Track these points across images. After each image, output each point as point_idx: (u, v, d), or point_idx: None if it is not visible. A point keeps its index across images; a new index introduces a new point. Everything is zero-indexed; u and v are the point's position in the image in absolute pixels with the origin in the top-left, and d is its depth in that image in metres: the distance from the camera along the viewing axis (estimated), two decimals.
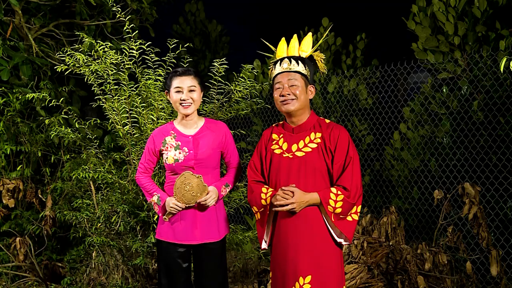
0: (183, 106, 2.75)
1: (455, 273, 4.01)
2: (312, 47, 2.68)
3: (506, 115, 4.49)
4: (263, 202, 2.59)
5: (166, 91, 2.85)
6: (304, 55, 2.63)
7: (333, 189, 2.48)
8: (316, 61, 2.69)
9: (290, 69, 2.58)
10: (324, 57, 2.72)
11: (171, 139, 2.80)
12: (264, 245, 2.70)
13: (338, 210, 2.47)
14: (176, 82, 2.76)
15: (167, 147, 2.78)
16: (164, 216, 2.76)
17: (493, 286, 4.13)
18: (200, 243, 2.78)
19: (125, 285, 4.39)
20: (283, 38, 2.68)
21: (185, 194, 2.68)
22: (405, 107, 5.39)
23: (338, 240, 2.55)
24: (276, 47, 2.73)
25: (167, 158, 2.78)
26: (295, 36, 2.66)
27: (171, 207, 2.70)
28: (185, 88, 2.74)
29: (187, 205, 2.71)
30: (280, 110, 2.64)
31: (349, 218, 2.53)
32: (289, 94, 2.56)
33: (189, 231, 2.75)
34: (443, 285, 3.88)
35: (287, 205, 2.47)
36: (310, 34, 2.68)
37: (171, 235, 2.77)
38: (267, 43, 2.80)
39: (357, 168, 2.54)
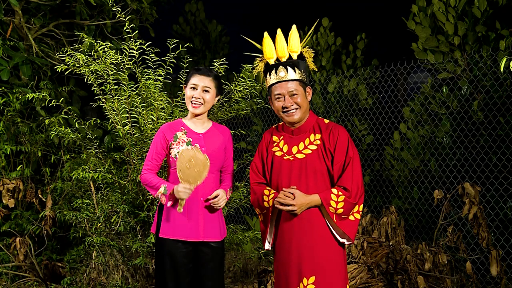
0: (193, 104, 2.76)
1: (455, 273, 4.01)
2: (301, 42, 2.62)
3: (506, 115, 4.49)
4: (265, 204, 2.59)
5: (184, 85, 2.88)
6: (295, 55, 2.59)
7: (334, 190, 2.49)
8: (306, 59, 2.64)
9: (288, 78, 2.55)
10: (313, 54, 2.67)
11: (182, 134, 2.79)
12: (267, 246, 2.70)
13: (340, 211, 2.47)
14: (194, 79, 2.77)
15: (178, 142, 2.77)
16: (178, 207, 2.67)
17: (493, 286, 4.13)
18: (203, 241, 2.78)
19: (125, 285, 4.39)
20: (266, 34, 2.60)
21: (189, 173, 2.62)
22: (405, 107, 5.39)
23: (341, 240, 2.55)
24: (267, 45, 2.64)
25: (177, 152, 2.74)
26: (279, 32, 2.59)
27: (180, 191, 2.61)
28: (200, 87, 2.75)
29: (196, 184, 2.64)
30: (282, 119, 2.63)
31: (351, 218, 2.54)
32: (292, 105, 2.55)
33: (194, 229, 2.75)
34: (443, 285, 3.88)
35: (288, 205, 2.48)
36: (295, 27, 2.60)
37: (176, 233, 2.75)
38: (249, 40, 2.74)
39: (358, 167, 2.54)
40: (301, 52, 2.61)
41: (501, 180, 4.33)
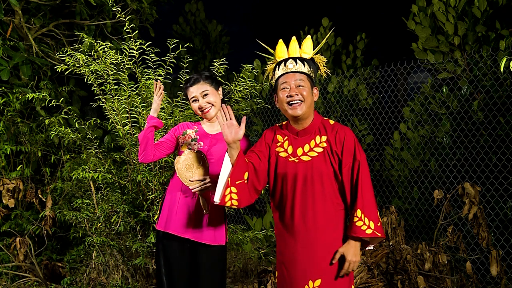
0: (203, 112, 2.83)
1: (455, 273, 4.01)
2: (313, 49, 2.63)
3: (506, 115, 4.49)
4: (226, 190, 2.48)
5: (188, 101, 2.96)
6: (306, 56, 2.58)
7: (355, 219, 2.43)
8: (318, 64, 2.65)
9: (296, 69, 2.52)
10: (325, 60, 2.66)
11: (192, 132, 2.88)
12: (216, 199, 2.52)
13: (372, 224, 2.42)
14: (190, 93, 2.85)
15: (185, 137, 2.86)
16: (205, 210, 2.74)
17: (493, 286, 4.13)
18: (201, 243, 2.79)
19: (125, 285, 4.39)
20: (281, 40, 2.62)
21: (192, 174, 2.70)
22: (405, 107, 5.39)
23: (370, 247, 2.55)
24: (274, 48, 2.66)
25: (181, 145, 2.86)
26: (294, 38, 2.60)
27: (196, 187, 2.65)
28: (199, 95, 2.82)
29: (207, 176, 2.71)
30: (285, 113, 2.55)
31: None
32: (296, 95, 2.48)
33: (197, 230, 2.77)
34: (443, 285, 3.88)
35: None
36: (309, 36, 2.62)
37: (168, 226, 2.80)
38: (263, 44, 2.72)
39: (366, 171, 2.50)
40: (312, 58, 2.61)
41: (501, 180, 4.33)
